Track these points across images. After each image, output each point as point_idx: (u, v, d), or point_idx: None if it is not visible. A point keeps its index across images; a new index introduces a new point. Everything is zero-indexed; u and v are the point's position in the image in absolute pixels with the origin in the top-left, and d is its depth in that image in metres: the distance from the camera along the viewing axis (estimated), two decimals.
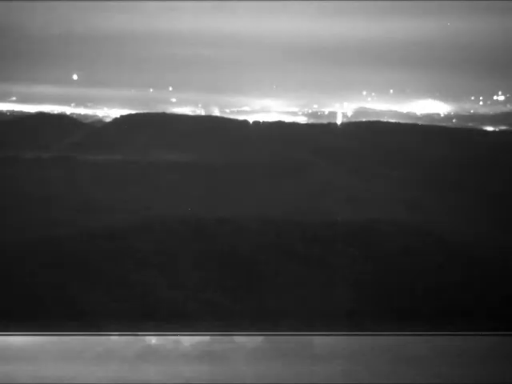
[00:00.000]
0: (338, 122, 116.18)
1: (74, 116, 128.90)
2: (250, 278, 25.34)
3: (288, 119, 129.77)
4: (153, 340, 16.10)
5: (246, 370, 14.04)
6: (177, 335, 16.11)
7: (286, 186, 52.72)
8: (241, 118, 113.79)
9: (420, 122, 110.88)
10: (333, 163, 59.71)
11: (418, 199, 48.70)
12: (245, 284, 25.17)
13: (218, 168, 58.33)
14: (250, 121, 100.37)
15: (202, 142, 76.72)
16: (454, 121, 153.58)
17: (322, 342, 16.00)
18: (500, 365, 14.78)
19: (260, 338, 16.02)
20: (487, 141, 71.98)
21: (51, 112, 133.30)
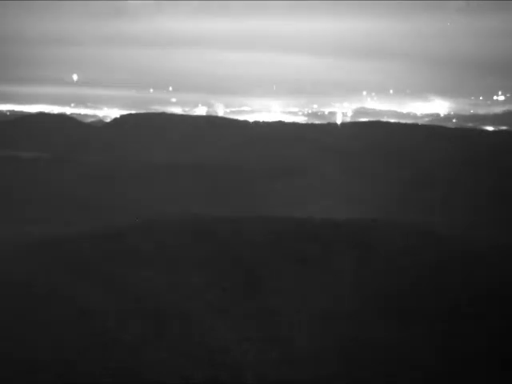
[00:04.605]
0: (338, 121, 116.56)
1: (74, 116, 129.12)
2: (248, 278, 25.47)
3: (288, 119, 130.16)
4: None
5: None
6: None
7: (285, 185, 52.77)
8: (241, 117, 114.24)
9: (420, 122, 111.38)
10: (332, 163, 59.72)
11: (418, 198, 48.73)
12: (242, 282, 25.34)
13: (218, 167, 58.37)
14: (250, 121, 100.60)
15: (202, 142, 76.75)
16: (454, 121, 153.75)
17: None
18: None
19: None
20: (487, 141, 71.98)
21: (51, 112, 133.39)
